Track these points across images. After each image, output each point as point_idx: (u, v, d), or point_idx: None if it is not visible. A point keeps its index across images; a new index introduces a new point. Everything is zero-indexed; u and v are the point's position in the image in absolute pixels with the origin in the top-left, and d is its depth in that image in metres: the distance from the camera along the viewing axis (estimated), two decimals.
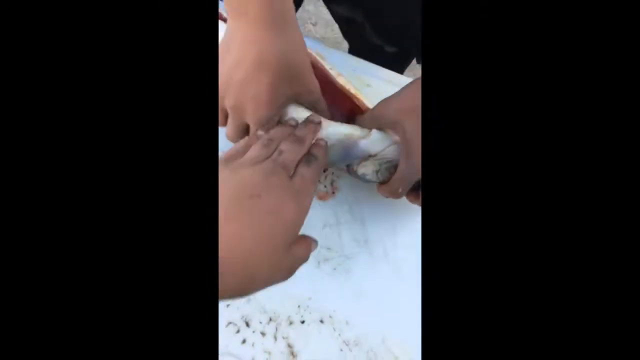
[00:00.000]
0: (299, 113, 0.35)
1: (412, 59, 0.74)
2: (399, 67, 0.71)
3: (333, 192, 0.44)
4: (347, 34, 0.75)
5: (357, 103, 0.38)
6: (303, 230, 0.42)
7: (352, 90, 0.38)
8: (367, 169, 0.37)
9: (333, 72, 0.39)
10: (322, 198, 0.43)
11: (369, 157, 0.36)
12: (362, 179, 0.38)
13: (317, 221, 0.42)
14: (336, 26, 0.74)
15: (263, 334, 0.38)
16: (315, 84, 0.35)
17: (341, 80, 0.39)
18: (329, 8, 0.67)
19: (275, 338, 0.38)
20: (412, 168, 0.35)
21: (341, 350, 0.38)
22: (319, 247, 0.41)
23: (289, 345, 0.38)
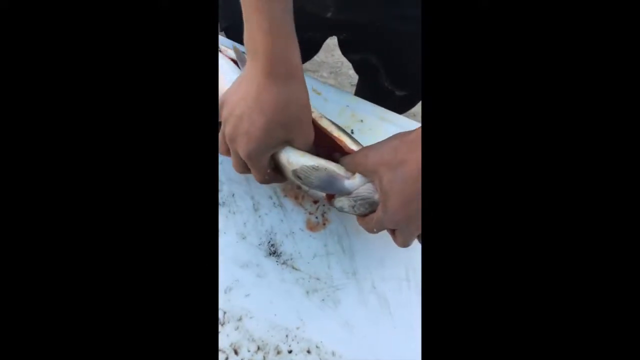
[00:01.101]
0: (293, 156, 0.38)
1: (418, 101, 0.75)
2: (402, 109, 0.73)
3: (324, 224, 0.45)
4: (359, 74, 0.77)
5: (341, 144, 0.40)
6: (295, 260, 0.43)
7: (335, 133, 0.40)
8: (343, 204, 0.39)
9: (315, 114, 0.41)
10: (313, 229, 0.45)
11: (346, 193, 0.38)
12: (340, 210, 0.40)
13: (307, 251, 0.43)
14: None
15: None
16: (310, 135, 0.38)
17: (324, 123, 0.41)
18: (345, 55, 0.69)
19: None
20: (388, 217, 0.37)
21: None
22: (308, 277, 0.42)
23: None
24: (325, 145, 0.40)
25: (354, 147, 0.40)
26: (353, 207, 0.38)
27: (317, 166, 0.37)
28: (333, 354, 0.40)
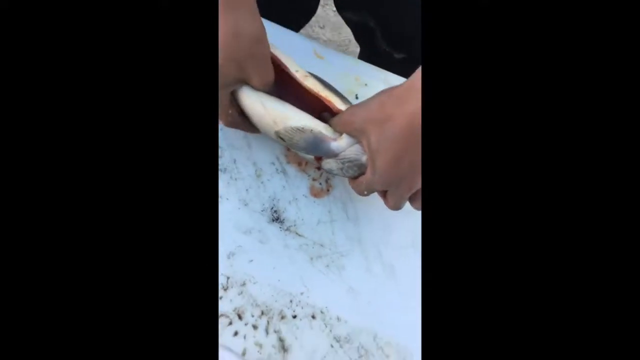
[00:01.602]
0: (249, 96, 0.37)
1: (419, 65, 0.74)
2: (405, 73, 0.71)
3: (328, 190, 0.44)
4: (358, 39, 0.76)
5: (329, 105, 0.38)
6: (298, 226, 0.42)
7: (322, 92, 0.38)
8: (331, 166, 0.38)
9: (300, 73, 0.38)
10: (316, 195, 0.44)
11: (333, 155, 0.37)
12: (330, 172, 0.39)
13: (311, 218, 0.43)
14: (343, 29, 0.74)
15: (255, 327, 0.38)
16: (267, 74, 0.36)
17: (310, 82, 0.38)
18: (340, 13, 0.68)
19: (267, 332, 0.38)
20: (377, 178, 0.36)
21: (332, 346, 0.39)
22: (312, 243, 0.42)
23: (280, 339, 0.38)
24: (313, 105, 0.38)
25: (342, 106, 0.38)
26: (341, 169, 0.37)
27: (303, 127, 0.36)
28: (338, 319, 0.40)
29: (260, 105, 0.37)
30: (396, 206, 0.37)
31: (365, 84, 0.50)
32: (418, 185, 0.35)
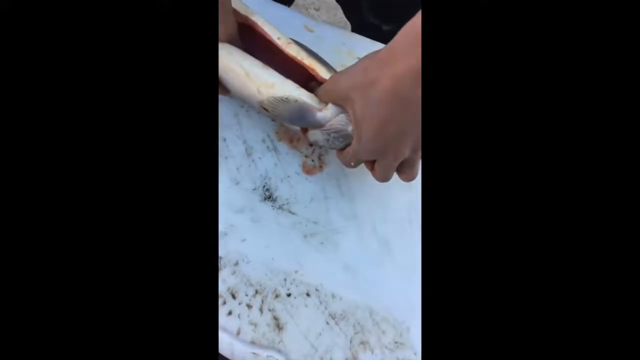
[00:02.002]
0: (230, 53, 0.36)
1: None
2: None
3: (321, 167, 0.43)
4: (346, 13, 0.74)
5: (313, 74, 0.37)
6: (291, 204, 0.42)
7: (306, 60, 0.36)
8: (317, 137, 0.37)
9: (282, 42, 0.37)
10: (309, 172, 0.43)
11: (319, 126, 0.36)
12: (316, 144, 0.38)
13: (304, 195, 0.42)
14: (339, 10, 0.72)
15: (249, 306, 0.38)
16: (227, 25, 0.35)
17: (292, 50, 0.37)
18: None
19: (262, 310, 0.38)
20: (363, 147, 0.34)
21: (327, 323, 0.38)
22: (306, 221, 0.41)
23: (275, 318, 0.38)
24: (297, 74, 0.37)
25: (327, 75, 0.36)
26: (327, 140, 0.36)
27: (287, 97, 0.34)
28: (333, 296, 0.39)
29: (242, 71, 0.35)
30: (384, 177, 0.36)
31: (358, 57, 0.48)
32: (405, 153, 0.34)
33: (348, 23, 0.76)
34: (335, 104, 0.35)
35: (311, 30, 0.48)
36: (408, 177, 0.37)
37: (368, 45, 0.49)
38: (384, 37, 0.64)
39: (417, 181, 0.44)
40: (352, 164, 0.37)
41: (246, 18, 0.38)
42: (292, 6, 0.67)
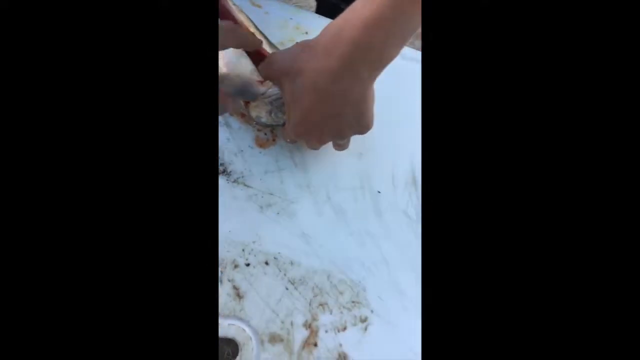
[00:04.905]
0: None
1: None
2: None
3: (274, 139, 0.44)
4: None
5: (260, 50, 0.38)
6: (246, 177, 0.43)
7: (252, 29, 0.38)
8: (260, 111, 0.38)
9: (236, 8, 0.38)
10: (262, 145, 0.44)
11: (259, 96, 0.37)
12: (259, 122, 0.39)
13: (258, 168, 0.43)
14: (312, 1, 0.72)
15: None
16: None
17: (242, 17, 0.38)
18: None
19: (221, 281, 0.39)
20: (291, 129, 0.37)
21: (287, 288, 0.40)
22: (261, 193, 0.42)
23: (235, 287, 0.39)
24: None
25: (269, 50, 0.38)
26: (270, 112, 0.38)
27: (228, 74, 0.36)
28: (291, 263, 0.40)
29: None
30: (313, 149, 0.41)
31: (306, 32, 0.49)
32: (327, 140, 0.38)
33: (314, 2, 0.76)
34: (271, 81, 0.37)
35: (258, 6, 0.48)
36: (339, 149, 0.41)
37: (316, 20, 0.50)
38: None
39: (368, 150, 0.46)
40: (288, 140, 0.41)
41: None
42: None
